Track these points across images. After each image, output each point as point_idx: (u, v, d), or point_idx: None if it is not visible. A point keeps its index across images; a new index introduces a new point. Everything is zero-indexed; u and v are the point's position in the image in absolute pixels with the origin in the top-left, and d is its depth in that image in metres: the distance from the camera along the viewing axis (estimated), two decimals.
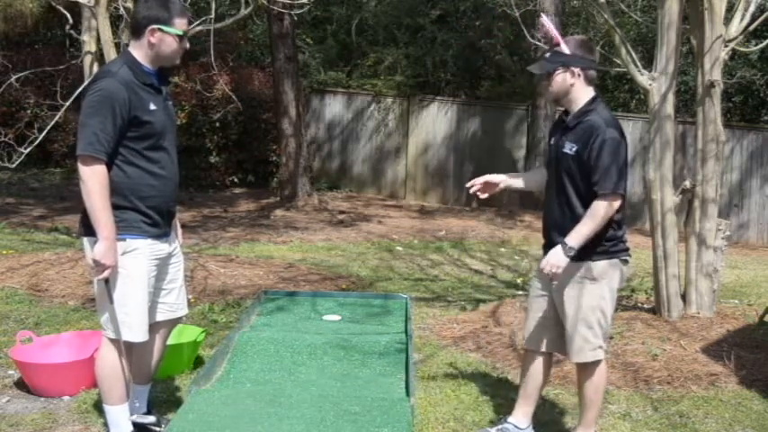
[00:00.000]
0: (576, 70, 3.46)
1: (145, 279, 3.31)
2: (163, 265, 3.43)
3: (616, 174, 3.36)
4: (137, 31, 3.30)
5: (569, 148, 3.46)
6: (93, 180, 3.13)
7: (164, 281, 3.48)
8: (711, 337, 5.17)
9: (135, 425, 3.47)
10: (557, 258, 3.39)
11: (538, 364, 3.75)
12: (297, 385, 4.25)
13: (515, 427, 3.77)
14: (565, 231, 3.47)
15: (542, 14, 3.90)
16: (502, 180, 3.78)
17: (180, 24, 3.29)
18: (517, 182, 3.85)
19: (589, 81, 3.50)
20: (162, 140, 3.34)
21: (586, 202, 3.44)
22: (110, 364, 3.34)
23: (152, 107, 3.28)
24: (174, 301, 3.56)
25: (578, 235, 3.37)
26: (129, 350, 3.39)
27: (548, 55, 3.55)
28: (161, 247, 3.38)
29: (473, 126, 14.04)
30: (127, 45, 3.58)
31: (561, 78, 3.47)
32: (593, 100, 3.49)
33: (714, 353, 4.92)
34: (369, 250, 9.07)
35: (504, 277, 7.88)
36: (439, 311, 6.19)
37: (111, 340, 3.33)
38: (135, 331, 3.32)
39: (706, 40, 5.48)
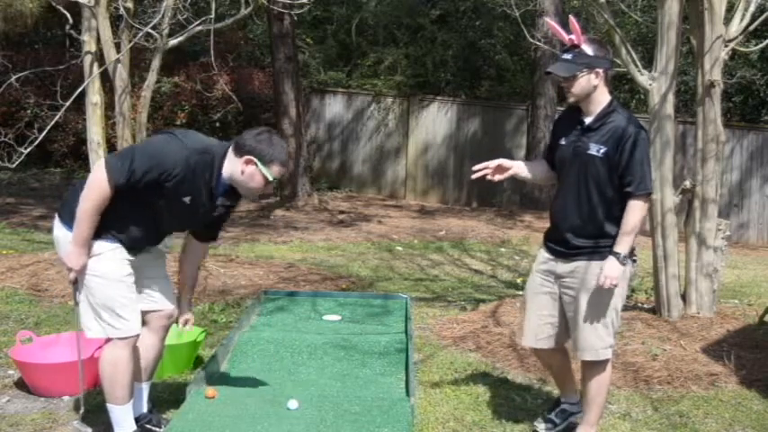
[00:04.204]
0: (600, 72, 3.41)
1: (118, 277, 3.31)
2: (137, 262, 3.44)
3: (649, 173, 3.40)
4: (238, 150, 3.32)
5: (596, 149, 3.41)
6: (99, 193, 3.16)
7: (142, 276, 3.48)
8: (711, 337, 5.17)
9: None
10: (613, 270, 3.38)
11: (554, 356, 3.75)
12: (297, 385, 4.25)
13: (570, 404, 3.81)
14: (584, 234, 3.46)
15: (546, 18, 3.85)
16: (513, 166, 3.66)
17: (276, 171, 3.34)
18: (524, 172, 3.71)
19: (608, 83, 3.48)
20: (168, 220, 3.38)
21: (609, 203, 3.43)
22: (112, 364, 3.35)
23: (186, 200, 3.29)
24: (157, 294, 3.55)
25: (627, 241, 3.39)
26: (121, 347, 3.39)
27: (568, 56, 3.43)
28: (129, 256, 3.40)
29: (473, 126, 14.05)
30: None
31: (585, 80, 3.40)
32: (612, 101, 3.48)
33: (714, 353, 4.91)
34: (369, 250, 9.07)
35: (504, 277, 7.88)
36: (439, 311, 6.19)
37: (115, 340, 3.33)
38: (123, 327, 3.32)
39: (706, 40, 5.48)
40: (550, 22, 3.76)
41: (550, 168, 3.71)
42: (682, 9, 5.40)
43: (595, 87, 3.42)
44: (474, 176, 3.64)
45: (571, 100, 3.51)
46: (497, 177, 3.67)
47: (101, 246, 3.28)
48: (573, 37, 3.42)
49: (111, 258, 3.30)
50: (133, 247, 3.38)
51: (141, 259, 3.45)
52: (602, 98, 3.45)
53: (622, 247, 3.39)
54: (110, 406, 3.42)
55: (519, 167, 3.69)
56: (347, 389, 4.25)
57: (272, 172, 3.33)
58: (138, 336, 3.40)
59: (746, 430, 4.02)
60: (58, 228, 3.36)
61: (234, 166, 3.32)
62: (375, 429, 3.67)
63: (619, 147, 3.37)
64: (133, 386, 3.47)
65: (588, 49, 3.40)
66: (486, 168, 3.64)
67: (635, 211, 3.38)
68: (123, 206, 3.24)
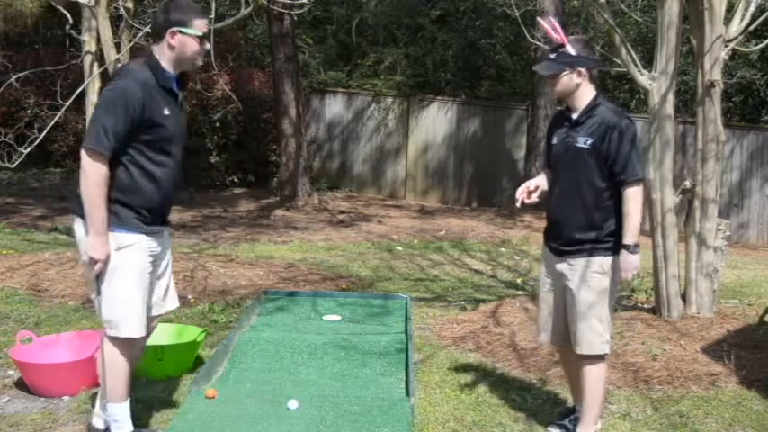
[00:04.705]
0: (583, 71, 3.55)
1: (141, 274, 3.33)
2: (155, 261, 3.44)
3: (638, 160, 3.50)
4: (157, 36, 3.34)
5: (583, 141, 3.52)
6: (94, 173, 3.16)
7: (159, 269, 3.49)
8: (711, 337, 5.16)
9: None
10: (630, 262, 3.49)
11: (570, 355, 3.78)
12: (297, 385, 4.26)
13: None
14: (578, 227, 3.54)
15: (540, 18, 3.95)
16: (541, 184, 3.76)
17: (199, 25, 3.34)
18: (545, 184, 3.81)
19: (592, 80, 3.60)
20: (170, 145, 3.37)
21: (599, 194, 3.52)
22: (112, 361, 3.35)
23: (166, 112, 3.32)
24: (163, 296, 3.56)
25: (632, 230, 3.49)
26: (131, 346, 3.40)
27: (553, 55, 3.59)
28: (154, 245, 3.40)
29: (473, 126, 14.04)
30: (147, 47, 3.61)
31: (568, 79, 3.55)
32: (596, 96, 3.59)
33: (714, 353, 4.91)
34: (369, 250, 9.07)
35: (504, 277, 7.88)
36: (439, 311, 6.19)
37: (114, 337, 3.33)
38: (132, 327, 3.33)
39: (706, 40, 5.48)
40: (542, 22, 3.88)
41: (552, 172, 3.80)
42: (682, 9, 5.40)
43: (578, 86, 3.56)
44: (518, 204, 3.74)
45: (555, 96, 3.64)
46: (533, 198, 3.73)
47: (125, 238, 3.27)
48: (559, 37, 3.57)
49: (136, 252, 3.30)
50: (152, 216, 3.35)
51: (161, 245, 3.44)
52: (587, 94, 3.59)
53: (630, 237, 3.49)
54: (108, 404, 3.41)
55: (544, 184, 3.79)
56: (347, 389, 4.25)
57: (197, 29, 3.33)
58: (140, 337, 3.40)
59: (746, 430, 4.02)
60: (81, 225, 3.32)
61: (165, 52, 3.33)
62: (375, 429, 3.67)
63: (605, 138, 3.48)
64: (132, 383, 3.47)
65: (572, 50, 3.54)
66: (525, 192, 3.71)
67: (632, 199, 3.49)
68: (124, 171, 3.24)
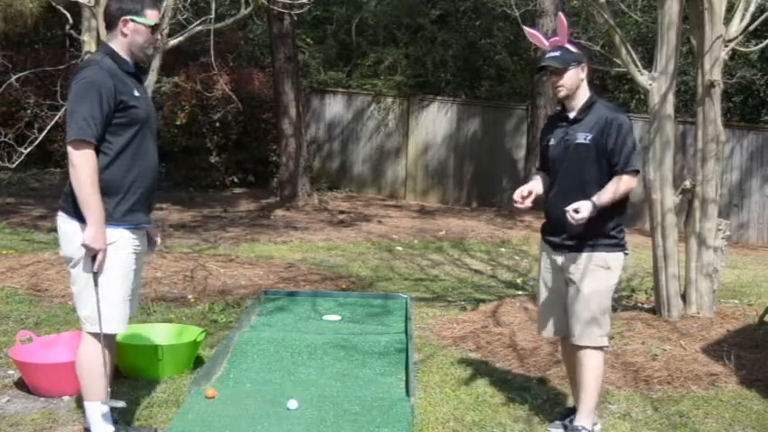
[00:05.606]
0: (585, 66, 3.69)
1: (125, 271, 3.34)
2: (136, 259, 3.45)
3: (634, 153, 3.60)
4: (111, 24, 3.41)
5: (583, 137, 3.63)
6: (84, 164, 3.18)
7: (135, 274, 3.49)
8: (711, 337, 5.16)
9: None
10: (585, 209, 3.48)
11: (569, 350, 3.84)
12: (297, 385, 4.26)
13: None
14: (586, 222, 3.55)
15: (525, 27, 4.08)
16: (534, 188, 3.84)
17: (151, 16, 3.40)
18: (541, 189, 3.89)
19: (589, 80, 3.74)
20: (146, 128, 3.41)
21: (600, 187, 3.58)
22: (90, 359, 3.35)
23: (136, 93, 3.38)
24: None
25: (606, 196, 3.54)
26: (111, 344, 3.41)
27: (557, 53, 3.67)
28: (137, 243, 3.41)
29: (473, 126, 14.04)
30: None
31: (575, 73, 3.67)
32: (592, 95, 3.73)
33: (714, 353, 4.91)
34: (369, 250, 9.07)
35: (504, 277, 7.88)
36: (439, 311, 6.19)
37: (94, 334, 3.33)
38: (116, 323, 3.35)
39: (706, 40, 5.48)
40: (530, 31, 4.02)
41: (548, 176, 3.88)
42: (682, 9, 5.40)
43: (582, 81, 3.69)
44: (521, 206, 3.81)
45: (561, 94, 3.72)
46: (527, 203, 3.79)
47: (111, 234, 3.28)
48: (557, 39, 3.70)
49: (121, 248, 3.32)
50: (139, 204, 3.37)
51: (142, 245, 3.45)
52: (584, 93, 3.72)
53: (600, 198, 3.53)
54: (86, 403, 3.40)
55: (537, 188, 3.87)
56: (347, 389, 4.25)
57: (148, 18, 3.39)
58: (118, 333, 3.43)
59: (746, 430, 4.02)
60: (67, 222, 3.33)
61: (118, 39, 3.39)
62: (375, 429, 3.67)
63: (604, 133, 3.60)
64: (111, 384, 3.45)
65: (573, 48, 3.69)
66: (519, 197, 3.78)
67: (620, 182, 3.58)
68: (105, 157, 3.26)
